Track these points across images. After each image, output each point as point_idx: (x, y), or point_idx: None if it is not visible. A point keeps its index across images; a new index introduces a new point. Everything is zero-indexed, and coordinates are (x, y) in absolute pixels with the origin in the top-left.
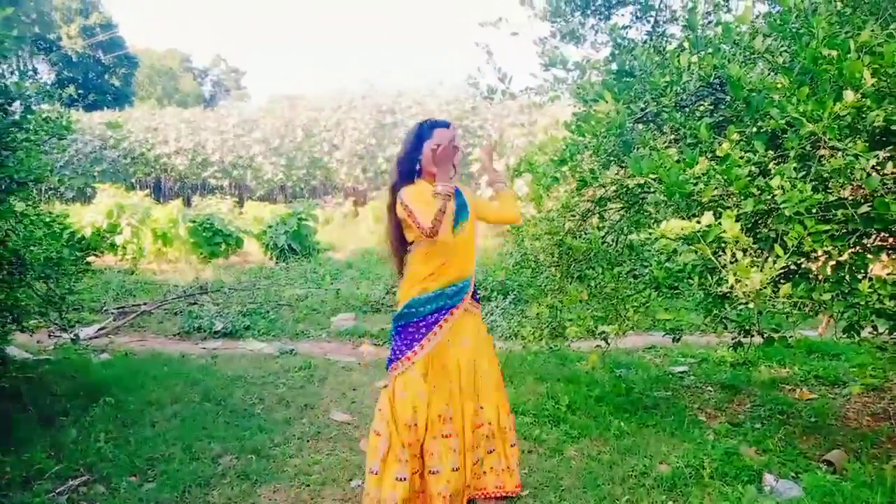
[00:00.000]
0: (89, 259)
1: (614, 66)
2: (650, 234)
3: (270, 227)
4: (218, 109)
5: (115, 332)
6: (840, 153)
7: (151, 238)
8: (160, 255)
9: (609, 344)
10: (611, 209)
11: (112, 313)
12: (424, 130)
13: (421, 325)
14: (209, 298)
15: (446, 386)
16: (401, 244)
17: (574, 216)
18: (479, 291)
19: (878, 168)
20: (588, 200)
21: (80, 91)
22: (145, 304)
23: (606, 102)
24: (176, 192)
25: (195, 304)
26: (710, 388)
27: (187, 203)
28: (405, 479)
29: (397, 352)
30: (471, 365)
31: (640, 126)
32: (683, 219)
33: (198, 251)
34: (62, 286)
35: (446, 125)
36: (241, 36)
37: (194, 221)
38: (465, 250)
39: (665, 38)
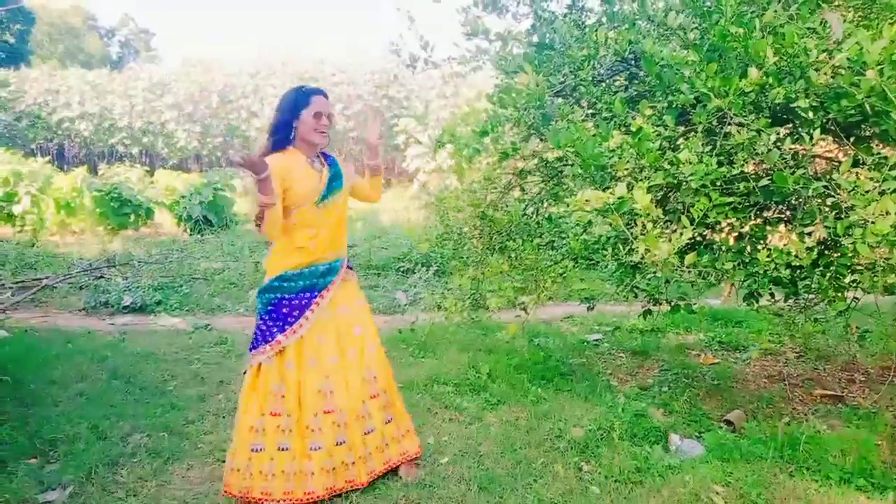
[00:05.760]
0: None
1: (535, 39)
2: (568, 206)
3: (184, 197)
4: (126, 72)
5: (13, 308)
6: (744, 129)
7: (54, 208)
8: (63, 226)
9: (528, 314)
10: (531, 181)
11: (10, 288)
12: (300, 97)
13: (293, 303)
14: (117, 272)
15: (325, 360)
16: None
17: (496, 188)
18: (351, 261)
19: (779, 144)
20: (509, 173)
21: None
22: (47, 277)
23: (527, 74)
24: (81, 160)
25: (102, 277)
26: (622, 354)
27: (93, 171)
28: (261, 451)
29: (266, 334)
30: (351, 333)
31: (560, 99)
32: (599, 191)
33: (105, 222)
34: None
35: (322, 93)
36: None
37: (101, 191)
38: (338, 225)
39: (584, 12)
